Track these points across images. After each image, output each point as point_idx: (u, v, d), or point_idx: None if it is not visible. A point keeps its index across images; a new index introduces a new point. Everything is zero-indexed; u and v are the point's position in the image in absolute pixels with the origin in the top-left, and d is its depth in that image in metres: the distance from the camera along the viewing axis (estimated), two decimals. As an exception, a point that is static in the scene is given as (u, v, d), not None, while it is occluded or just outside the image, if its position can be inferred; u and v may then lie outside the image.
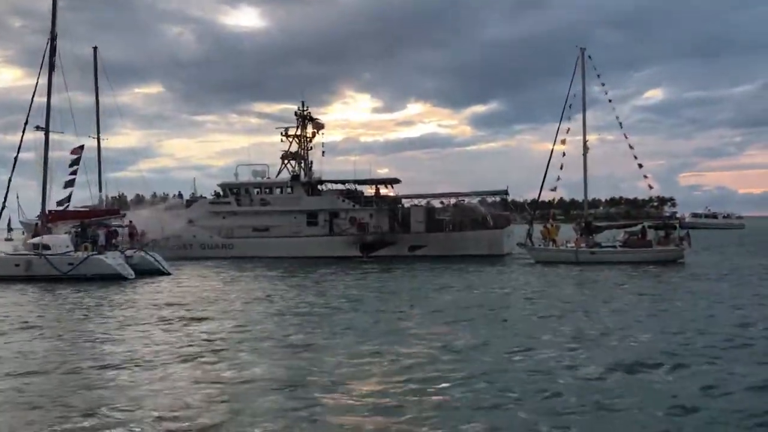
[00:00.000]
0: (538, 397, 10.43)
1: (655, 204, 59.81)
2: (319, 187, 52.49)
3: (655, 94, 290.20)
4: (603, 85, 41.19)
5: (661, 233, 38.39)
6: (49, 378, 12.23)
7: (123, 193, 54.25)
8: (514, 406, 9.95)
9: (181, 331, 17.16)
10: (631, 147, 40.24)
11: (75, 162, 44.21)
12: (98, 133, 48.65)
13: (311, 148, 54.50)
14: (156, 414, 9.79)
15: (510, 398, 10.37)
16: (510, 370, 12.25)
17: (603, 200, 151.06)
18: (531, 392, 10.66)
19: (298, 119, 54.34)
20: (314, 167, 54.04)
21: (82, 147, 46.06)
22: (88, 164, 43.82)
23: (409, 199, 51.68)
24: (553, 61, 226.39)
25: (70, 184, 43.27)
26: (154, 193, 55.32)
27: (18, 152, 36.28)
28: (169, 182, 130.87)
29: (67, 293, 26.76)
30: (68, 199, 42.71)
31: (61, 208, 41.80)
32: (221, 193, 53.02)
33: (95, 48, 48.42)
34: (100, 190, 49.71)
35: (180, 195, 55.28)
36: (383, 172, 74.04)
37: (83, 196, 41.76)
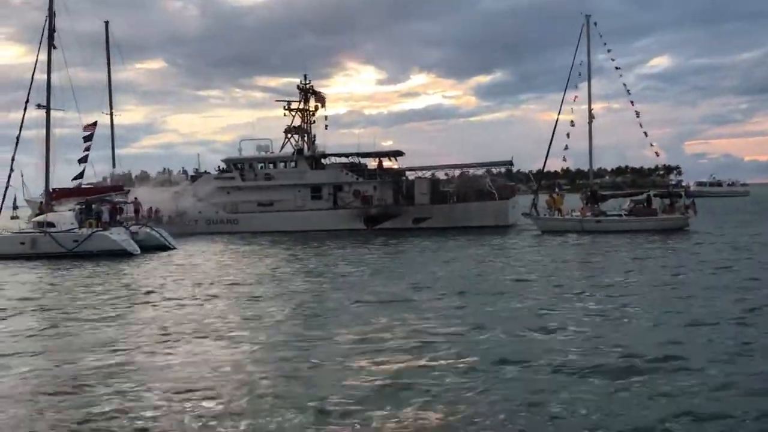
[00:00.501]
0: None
1: (661, 173, 59.59)
2: (322, 160, 52.33)
3: (660, 62, 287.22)
4: (609, 51, 40.80)
5: (667, 201, 38.30)
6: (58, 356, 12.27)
7: (129, 171, 54.18)
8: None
9: (187, 306, 17.19)
10: (637, 114, 39.99)
11: (88, 138, 44.57)
12: (111, 109, 48.68)
13: (314, 121, 54.25)
14: (169, 389, 9.80)
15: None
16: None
17: (609, 169, 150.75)
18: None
19: (300, 93, 53.98)
20: (318, 141, 53.83)
21: (95, 123, 46.37)
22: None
23: (413, 171, 51.53)
24: (558, 29, 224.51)
25: (83, 160, 43.62)
26: (165, 168, 55.11)
27: (20, 131, 36.18)
28: (174, 158, 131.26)
29: (71, 269, 26.85)
30: (81, 174, 43.05)
31: (75, 183, 42.07)
32: (226, 168, 52.96)
33: (107, 22, 48.35)
34: (114, 166, 49.84)
35: (184, 171, 55.25)
36: (388, 144, 73.41)
37: (86, 174, 41.69)
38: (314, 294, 18.40)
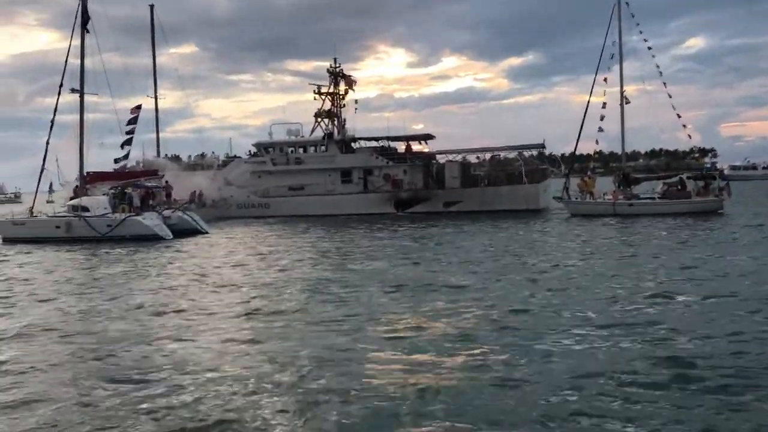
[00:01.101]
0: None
1: (696, 155, 58.40)
2: (352, 144, 52.31)
3: (695, 43, 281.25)
4: (641, 32, 40.00)
5: (701, 184, 37.59)
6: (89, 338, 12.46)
7: (168, 154, 54.85)
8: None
9: (219, 290, 17.34)
10: (669, 96, 39.20)
11: (132, 121, 45.75)
12: (156, 92, 49.01)
13: (344, 105, 54.24)
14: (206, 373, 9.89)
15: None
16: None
17: (643, 152, 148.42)
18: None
19: (330, 76, 53.97)
20: (348, 125, 53.90)
21: (139, 106, 47.38)
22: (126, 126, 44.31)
23: (443, 155, 51.30)
24: (592, 9, 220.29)
25: (127, 143, 44.68)
26: (203, 153, 55.90)
27: (54, 115, 36.66)
28: (207, 143, 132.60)
29: (105, 253, 27.27)
30: (126, 157, 44.10)
31: (118, 166, 42.93)
32: (257, 152, 53.26)
33: (152, 6, 48.48)
34: (158, 149, 50.39)
35: (215, 156, 55.74)
36: (418, 128, 73.18)
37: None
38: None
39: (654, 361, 9.50)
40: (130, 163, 47.95)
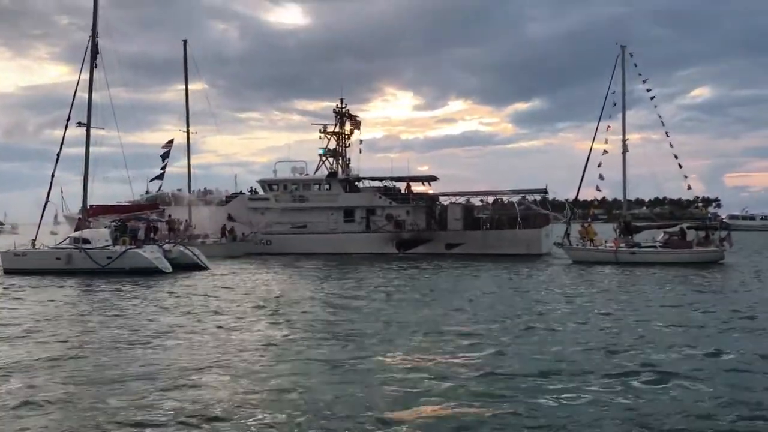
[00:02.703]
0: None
1: (700, 204, 58.41)
2: (356, 184, 52.55)
3: (702, 93, 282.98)
4: (644, 82, 40.47)
5: (701, 234, 37.64)
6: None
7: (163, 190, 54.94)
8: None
9: (206, 324, 17.23)
10: (671, 146, 39.44)
11: (165, 155, 47.00)
12: (188, 126, 49.13)
13: (349, 145, 54.73)
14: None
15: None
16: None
17: (646, 200, 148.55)
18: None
19: (336, 116, 54.56)
20: (352, 164, 54.31)
21: (171, 141, 48.00)
22: (130, 160, 44.63)
23: (446, 197, 51.46)
24: (598, 57, 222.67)
25: (159, 177, 45.96)
26: (205, 189, 56.18)
27: (60, 148, 36.91)
28: (213, 179, 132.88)
29: (102, 286, 27.21)
30: (159, 189, 45.36)
31: (148, 196, 44.33)
32: (260, 189, 53.48)
33: (185, 41, 48.92)
34: (189, 183, 50.53)
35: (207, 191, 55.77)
36: (423, 169, 73.73)
37: (125, 191, 42.47)
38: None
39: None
40: (135, 196, 48.28)
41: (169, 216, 43.05)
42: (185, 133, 48.52)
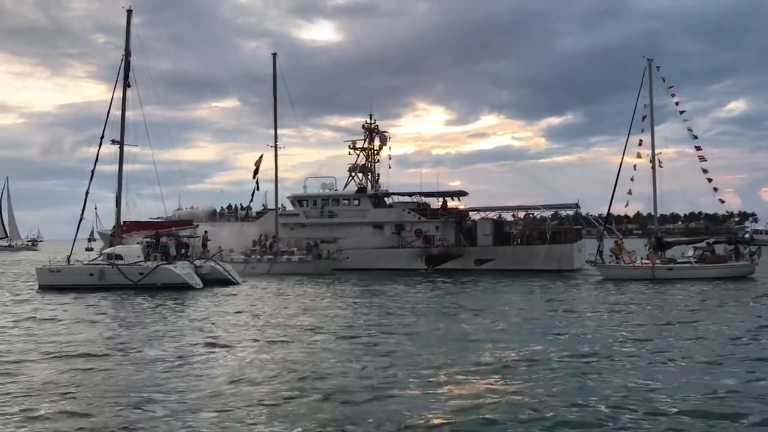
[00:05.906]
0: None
1: (736, 219, 57.28)
2: (386, 199, 52.49)
3: (736, 106, 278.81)
4: (673, 96, 39.88)
5: (729, 248, 37.32)
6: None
7: (195, 207, 55.37)
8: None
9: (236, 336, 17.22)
10: (701, 159, 38.74)
11: (255, 172, 50.57)
12: (276, 141, 49.18)
13: (378, 160, 54.72)
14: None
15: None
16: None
17: (682, 215, 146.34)
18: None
19: (365, 132, 54.66)
20: (382, 179, 54.23)
21: (261, 157, 49.49)
22: (164, 177, 45.13)
23: (477, 212, 51.09)
24: (631, 71, 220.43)
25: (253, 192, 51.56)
26: (233, 205, 56.64)
27: (95, 165, 37.42)
28: (245, 195, 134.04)
29: (136, 300, 27.43)
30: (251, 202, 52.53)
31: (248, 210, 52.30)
32: (290, 205, 53.60)
33: (274, 54, 49.21)
34: (276, 201, 51.16)
35: (241, 207, 56.13)
36: (455, 184, 73.76)
37: (158, 208, 42.95)
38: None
39: None
40: (168, 213, 48.80)
41: (205, 232, 43.19)
42: (272, 148, 48.71)
